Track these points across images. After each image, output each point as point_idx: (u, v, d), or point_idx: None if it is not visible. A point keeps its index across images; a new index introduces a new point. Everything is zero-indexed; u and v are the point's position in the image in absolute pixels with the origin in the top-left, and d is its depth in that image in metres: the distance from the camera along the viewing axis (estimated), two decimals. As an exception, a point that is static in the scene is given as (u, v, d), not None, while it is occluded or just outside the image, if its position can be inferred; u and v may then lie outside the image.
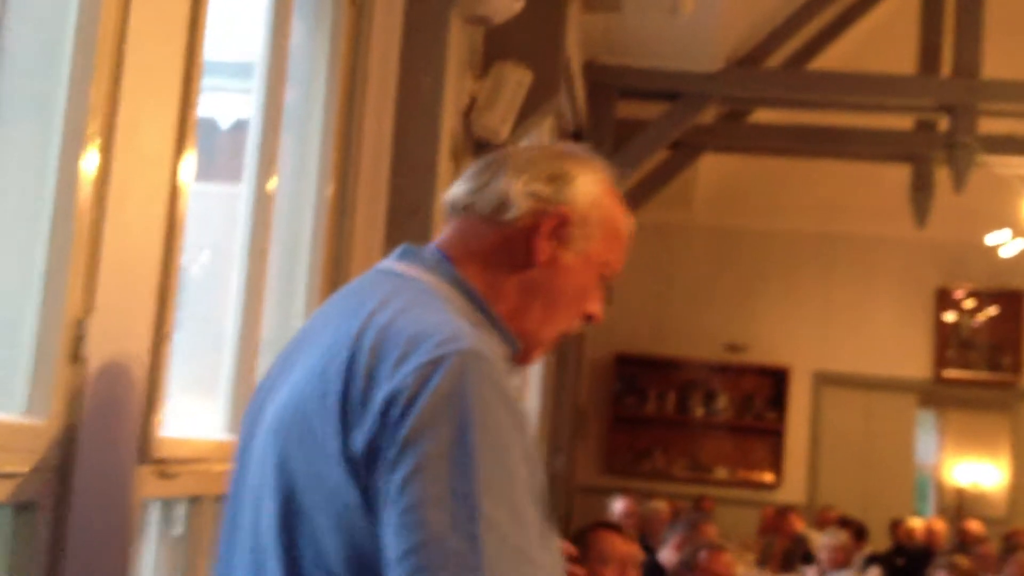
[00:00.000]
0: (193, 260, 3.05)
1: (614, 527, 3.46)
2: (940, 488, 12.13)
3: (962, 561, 4.58)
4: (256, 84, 2.29)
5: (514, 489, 1.12)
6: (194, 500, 1.85)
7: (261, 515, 1.24)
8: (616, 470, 10.14)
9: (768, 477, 10.42)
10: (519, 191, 1.36)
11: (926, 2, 8.01)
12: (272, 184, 2.30)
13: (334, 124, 2.64)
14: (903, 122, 8.57)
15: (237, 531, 1.29)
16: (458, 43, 3.31)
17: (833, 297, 10.43)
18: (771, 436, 10.45)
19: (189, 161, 1.72)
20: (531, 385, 6.67)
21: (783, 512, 8.55)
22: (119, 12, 1.46)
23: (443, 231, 1.40)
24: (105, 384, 1.46)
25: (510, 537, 1.10)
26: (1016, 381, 10.45)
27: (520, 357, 1.39)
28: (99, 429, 1.45)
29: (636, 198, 8.50)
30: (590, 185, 1.40)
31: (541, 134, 6.24)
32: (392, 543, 1.11)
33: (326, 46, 2.62)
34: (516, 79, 3.91)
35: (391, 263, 1.37)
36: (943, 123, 7.91)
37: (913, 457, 10.79)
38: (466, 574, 1.07)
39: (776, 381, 10.46)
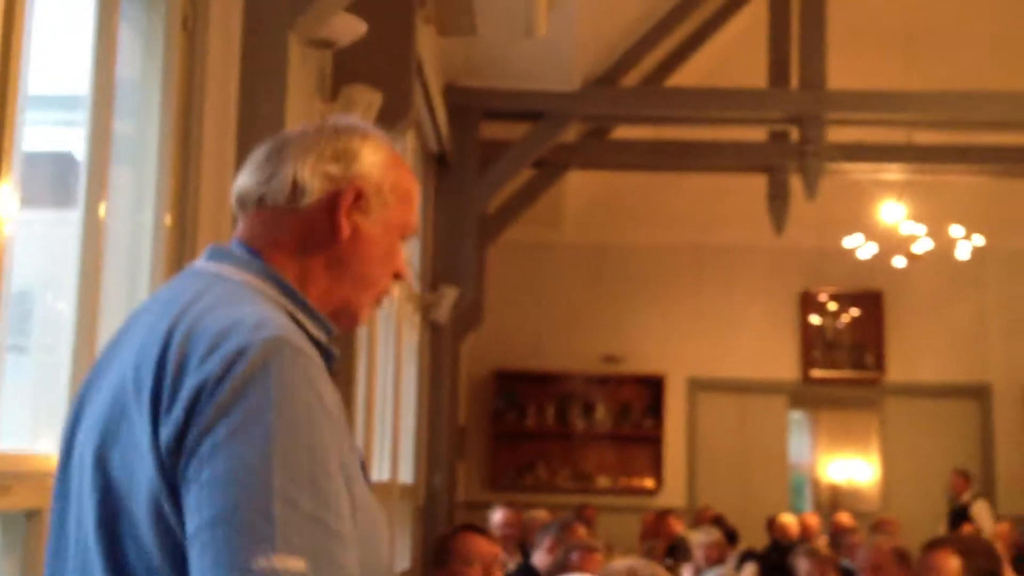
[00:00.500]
0: (48, 288, 3.07)
1: (477, 528, 3.53)
2: (816, 486, 12.52)
3: (821, 546, 4.79)
4: (85, 115, 2.33)
5: (315, 465, 1.18)
6: (31, 514, 1.88)
7: (83, 515, 1.28)
8: (500, 485, 10.25)
9: (649, 483, 10.65)
10: (309, 174, 1.41)
11: (774, 18, 8.36)
12: (102, 211, 2.34)
13: (170, 153, 2.68)
14: (758, 134, 8.91)
15: (63, 534, 1.32)
16: (301, 67, 3.38)
17: (703, 305, 10.75)
18: (650, 443, 10.69)
19: (5, 190, 1.76)
20: (405, 404, 6.73)
21: (662, 516, 8.76)
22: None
23: (240, 226, 1.44)
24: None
25: (307, 509, 1.15)
26: (880, 378, 10.90)
27: (347, 323, 1.45)
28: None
29: (505, 217, 8.67)
30: (375, 155, 1.45)
31: (404, 157, 6.34)
32: (189, 519, 1.16)
33: (158, 74, 2.66)
34: (366, 101, 4.00)
35: (202, 263, 1.41)
36: (795, 133, 8.25)
37: (787, 456, 11.16)
38: (259, 545, 1.12)
39: (652, 389, 10.72)
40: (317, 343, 1.36)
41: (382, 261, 1.46)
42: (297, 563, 1.13)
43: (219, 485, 1.15)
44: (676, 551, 7.93)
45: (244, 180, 1.45)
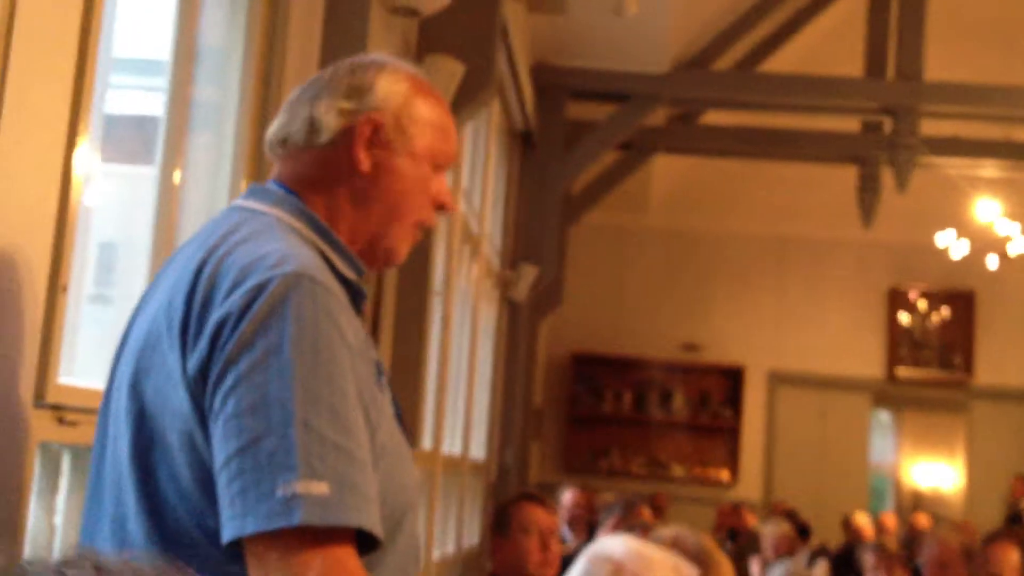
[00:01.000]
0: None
1: (536, 498, 3.54)
2: (898, 488, 12.30)
3: (890, 544, 4.71)
4: (165, 79, 2.37)
5: (335, 394, 1.20)
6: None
7: (119, 443, 1.32)
8: (574, 468, 10.25)
9: (724, 475, 10.56)
10: (324, 112, 1.42)
11: (872, 7, 8.19)
12: (177, 176, 2.38)
13: (248, 120, 2.72)
14: (850, 124, 8.75)
15: (102, 463, 1.37)
16: (383, 34, 3.42)
17: (787, 297, 10.60)
18: (727, 434, 10.59)
19: (85, 149, 1.81)
20: (480, 380, 6.77)
21: (736, 508, 8.68)
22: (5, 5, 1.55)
23: (274, 169, 1.47)
24: (-5, 326, 1.56)
25: (328, 437, 1.18)
26: (967, 380, 10.64)
27: (383, 260, 1.46)
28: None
29: (589, 199, 8.65)
30: (393, 86, 1.43)
31: (488, 133, 6.36)
32: (216, 452, 1.19)
33: (240, 38, 2.70)
34: (448, 71, 4.02)
35: (241, 200, 1.44)
36: (888, 125, 8.08)
37: (867, 456, 10.96)
38: (282, 472, 1.15)
39: (732, 380, 10.61)
40: (346, 281, 1.38)
41: (411, 193, 1.44)
42: (320, 487, 1.16)
43: (243, 417, 1.18)
44: (749, 545, 7.86)
45: (273, 126, 1.48)
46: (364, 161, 1.41)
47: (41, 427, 1.74)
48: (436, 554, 5.45)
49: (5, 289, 1.59)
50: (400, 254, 1.48)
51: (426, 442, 4.98)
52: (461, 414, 6.19)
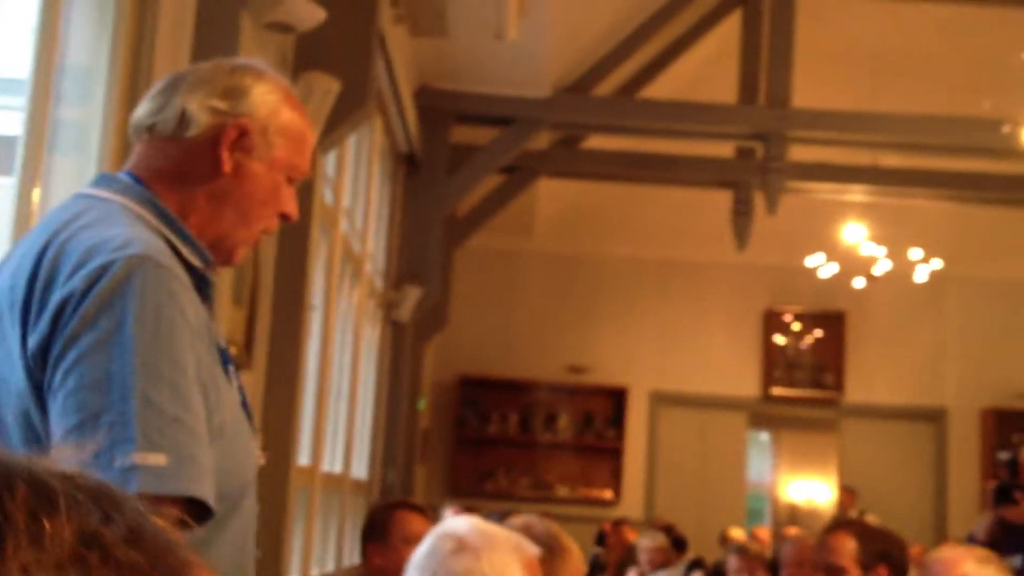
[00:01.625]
0: None
1: (415, 507, 3.56)
2: (775, 505, 12.65)
3: (751, 545, 4.88)
4: (25, 98, 2.37)
5: (175, 371, 1.25)
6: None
7: None
8: (460, 490, 10.29)
9: (608, 494, 10.72)
10: (197, 107, 1.46)
11: (745, 35, 8.50)
12: (36, 196, 2.39)
13: (113, 138, 2.73)
14: (726, 150, 9.04)
15: None
16: (256, 51, 3.46)
17: (669, 319, 10.85)
18: (611, 455, 10.77)
19: None
20: (362, 399, 6.79)
21: (618, 525, 8.84)
22: None
23: (132, 155, 1.51)
24: None
25: (167, 411, 1.23)
26: (839, 398, 11.02)
27: (223, 259, 1.51)
28: None
29: (474, 221, 8.75)
30: (267, 95, 1.49)
31: (371, 154, 6.42)
32: (55, 427, 1.23)
33: (105, 57, 2.72)
34: (324, 88, 4.08)
35: (86, 189, 1.48)
36: (760, 151, 8.38)
37: (745, 473, 11.25)
38: (121, 444, 1.19)
39: (616, 401, 10.80)
40: (192, 268, 1.43)
41: (264, 200, 1.50)
42: (157, 458, 1.20)
43: (83, 391, 1.22)
44: (628, 559, 8.00)
45: (139, 110, 1.51)
46: (227, 162, 1.46)
47: None
48: (315, 571, 5.45)
49: None
50: (239, 256, 1.54)
51: (303, 458, 4.99)
52: (342, 432, 6.21)
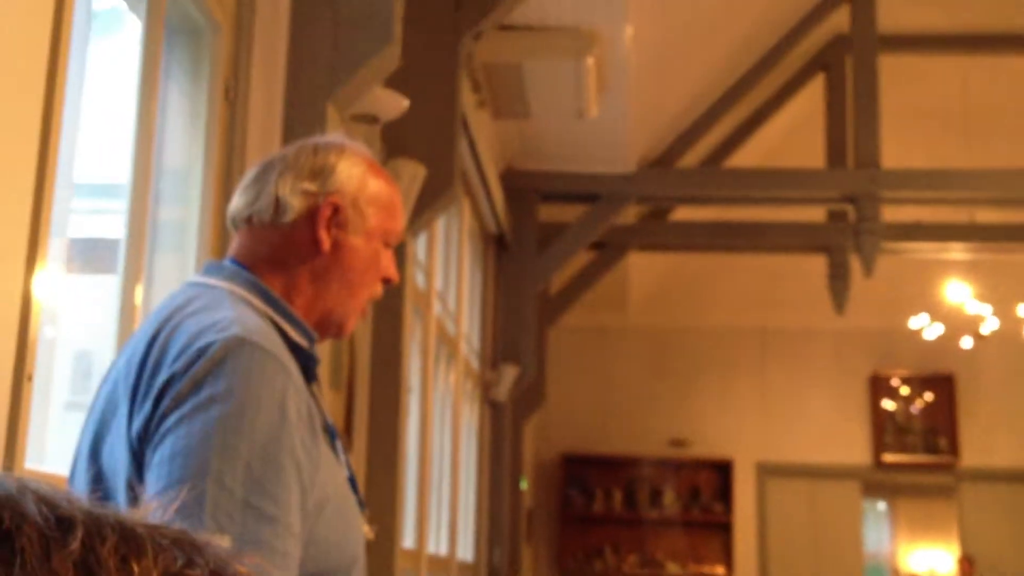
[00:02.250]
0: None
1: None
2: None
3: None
4: (125, 202, 2.49)
5: (255, 455, 1.28)
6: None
7: None
8: (567, 569, 10.19)
9: (720, 570, 10.50)
10: (289, 192, 1.52)
11: (830, 99, 8.49)
12: (138, 296, 2.48)
13: (210, 236, 2.85)
14: (816, 214, 8.98)
15: None
16: (344, 140, 3.59)
17: (770, 388, 10.69)
18: (720, 529, 10.56)
19: (46, 249, 1.92)
20: (464, 481, 6.82)
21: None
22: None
23: (232, 245, 1.58)
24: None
25: (239, 495, 1.25)
26: (955, 463, 10.67)
27: (335, 331, 1.57)
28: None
29: (567, 299, 8.80)
30: (352, 169, 1.55)
31: (460, 236, 6.53)
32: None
33: (200, 159, 2.84)
34: (410, 173, 4.20)
35: (195, 277, 1.55)
36: (851, 213, 8.29)
37: (861, 544, 10.92)
38: (187, 522, 1.23)
39: (721, 474, 10.62)
40: (298, 349, 1.48)
41: (365, 269, 1.56)
42: (222, 542, 1.22)
43: (164, 465, 1.27)
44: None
45: (235, 202, 1.58)
46: (325, 241, 1.51)
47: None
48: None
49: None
50: (351, 326, 1.59)
51: (408, 540, 5.03)
52: (446, 513, 6.23)
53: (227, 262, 1.56)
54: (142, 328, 1.46)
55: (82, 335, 3.45)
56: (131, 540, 0.48)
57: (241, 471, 1.26)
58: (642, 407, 10.62)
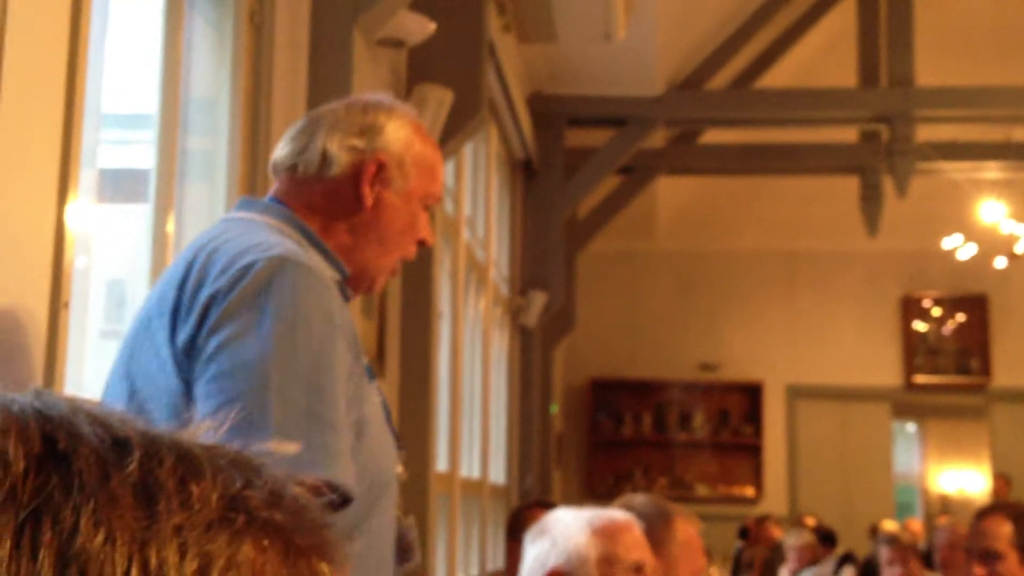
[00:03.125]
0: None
1: (548, 504, 3.62)
2: (925, 497, 12.26)
3: (903, 535, 4.75)
4: (154, 132, 2.49)
5: (312, 365, 1.31)
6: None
7: None
8: (597, 493, 10.28)
9: (749, 491, 10.57)
10: (337, 147, 1.56)
11: (862, 17, 8.31)
12: (170, 225, 2.50)
13: (239, 165, 2.85)
14: (848, 135, 8.85)
15: None
16: (370, 67, 3.55)
17: (799, 311, 10.65)
18: (749, 451, 10.62)
19: (77, 178, 1.92)
20: (495, 406, 6.86)
21: (761, 521, 8.71)
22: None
23: (272, 188, 1.61)
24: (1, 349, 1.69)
25: (302, 404, 1.28)
26: (986, 384, 10.64)
27: (366, 287, 1.61)
28: (-6, 379, 1.67)
29: (595, 224, 8.76)
30: (399, 130, 1.59)
31: (488, 162, 6.50)
32: (199, 413, 1.30)
33: (227, 87, 2.83)
34: (437, 99, 4.16)
35: (230, 213, 1.59)
36: (885, 133, 8.17)
37: (891, 465, 10.95)
38: (255, 434, 1.24)
39: (751, 397, 10.65)
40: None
41: (403, 229, 1.60)
42: (291, 447, 1.26)
43: (223, 379, 1.29)
44: (775, 557, 7.89)
45: (280, 151, 1.61)
46: (368, 197, 1.55)
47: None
48: (459, 576, 5.53)
49: (9, 319, 1.72)
50: (380, 284, 1.63)
51: (441, 464, 5.08)
52: (478, 439, 6.28)
53: (264, 199, 1.59)
54: (179, 256, 1.48)
55: (115, 265, 3.46)
56: (189, 461, 0.47)
57: (302, 382, 1.29)
58: (671, 331, 10.62)
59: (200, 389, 1.31)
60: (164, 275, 1.48)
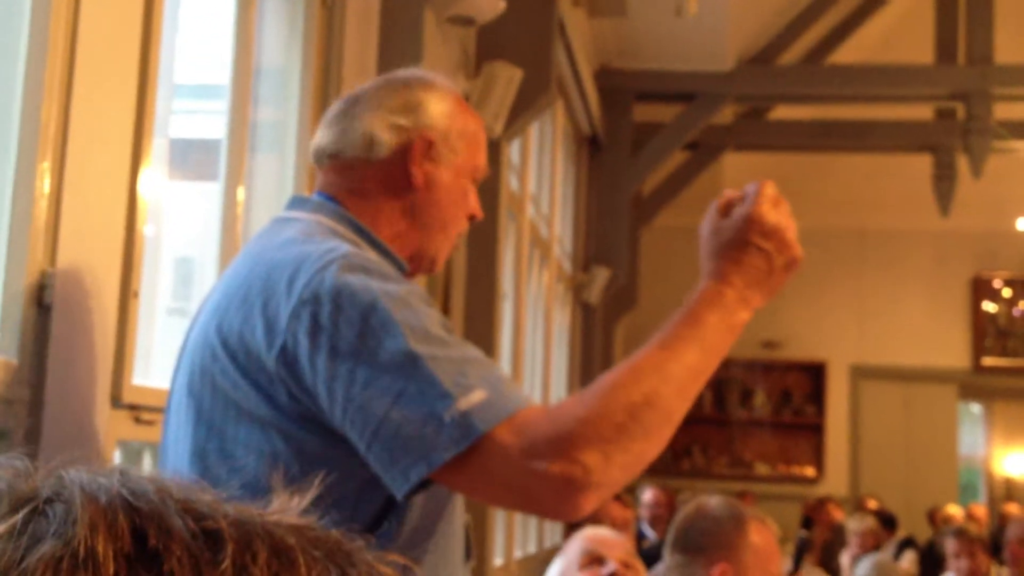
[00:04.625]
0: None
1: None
2: (990, 480, 12.04)
3: (971, 527, 4.66)
4: (226, 103, 2.47)
5: (435, 325, 1.27)
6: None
7: (180, 444, 1.39)
8: (655, 470, 10.13)
9: (810, 471, 10.46)
10: (381, 128, 1.50)
11: (940, -8, 8.10)
12: (240, 194, 2.49)
13: (308, 137, 2.82)
14: (923, 112, 8.64)
15: (165, 462, 1.45)
16: (440, 44, 3.52)
17: (866, 290, 10.48)
18: (811, 431, 10.50)
19: (149, 151, 1.92)
20: (555, 382, 6.84)
21: (822, 503, 8.61)
22: (68, 31, 1.66)
23: (318, 179, 1.55)
24: (71, 330, 1.68)
25: (453, 356, 1.25)
26: (1057, 367, 10.41)
27: (427, 267, 1.56)
28: (66, 370, 1.66)
29: (660, 200, 8.67)
30: (441, 104, 1.53)
31: (554, 138, 6.44)
32: (361, 427, 1.23)
33: (298, 59, 2.82)
34: (507, 77, 4.11)
35: (282, 212, 1.53)
36: (961, 111, 7.97)
37: (956, 447, 10.77)
38: (441, 403, 1.21)
39: (813, 376, 10.52)
40: None
41: (455, 205, 1.54)
42: (478, 395, 1.22)
43: (375, 381, 1.23)
44: (836, 540, 7.80)
45: (320, 137, 1.55)
46: (419, 176, 1.50)
47: (119, 426, 1.86)
48: (518, 553, 5.53)
49: (80, 298, 1.71)
50: (440, 262, 1.57)
51: (502, 443, 5.06)
52: (538, 416, 6.26)
53: (314, 196, 1.53)
54: (231, 268, 1.43)
55: (183, 242, 3.47)
56: (282, 554, 0.46)
57: (437, 341, 1.26)
58: (734, 308, 10.48)
59: (350, 414, 1.24)
60: (221, 284, 1.42)
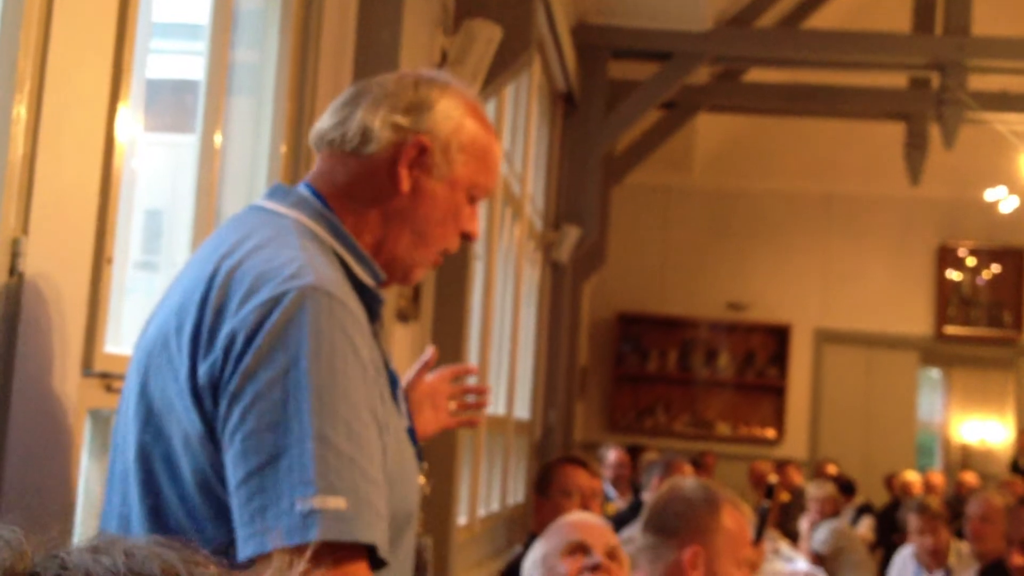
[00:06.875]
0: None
1: (579, 461, 3.61)
2: (946, 445, 12.23)
3: (932, 502, 4.71)
4: (204, 44, 2.40)
5: (350, 410, 1.20)
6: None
7: (128, 438, 1.33)
8: (618, 427, 10.31)
9: (770, 433, 10.57)
10: (379, 123, 1.42)
11: (919, -40, 8.06)
12: (218, 140, 2.42)
13: (286, 82, 2.76)
14: (897, 80, 8.64)
15: (115, 455, 1.38)
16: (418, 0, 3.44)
17: (833, 255, 10.53)
18: (773, 393, 10.60)
19: (126, 100, 1.85)
20: (523, 340, 6.83)
21: (781, 466, 8.70)
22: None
23: (314, 167, 1.47)
24: (42, 298, 1.62)
25: (344, 451, 1.18)
26: (1017, 338, 10.54)
27: (399, 278, 1.47)
28: (37, 338, 1.61)
29: (632, 158, 8.63)
30: (451, 111, 1.43)
31: (530, 94, 6.37)
32: (232, 471, 1.19)
33: (278, 1, 2.75)
34: (486, 36, 4.03)
35: (261, 201, 1.44)
36: (936, 81, 7.97)
37: (915, 414, 10.91)
38: (300, 489, 1.15)
39: (778, 339, 10.59)
40: (363, 288, 1.38)
41: (443, 220, 1.44)
42: (338, 502, 1.16)
43: (261, 433, 1.18)
44: (795, 503, 7.88)
45: (323, 121, 1.47)
46: (404, 180, 1.41)
47: (90, 395, 1.81)
48: (481, 511, 5.54)
49: (51, 263, 1.65)
50: (416, 277, 1.49)
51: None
52: (505, 374, 6.25)
53: (300, 187, 1.46)
54: (198, 257, 1.36)
55: (154, 195, 3.39)
56: None
57: (343, 429, 1.19)
58: (702, 269, 10.53)
59: (236, 445, 1.20)
60: (184, 279, 1.35)
